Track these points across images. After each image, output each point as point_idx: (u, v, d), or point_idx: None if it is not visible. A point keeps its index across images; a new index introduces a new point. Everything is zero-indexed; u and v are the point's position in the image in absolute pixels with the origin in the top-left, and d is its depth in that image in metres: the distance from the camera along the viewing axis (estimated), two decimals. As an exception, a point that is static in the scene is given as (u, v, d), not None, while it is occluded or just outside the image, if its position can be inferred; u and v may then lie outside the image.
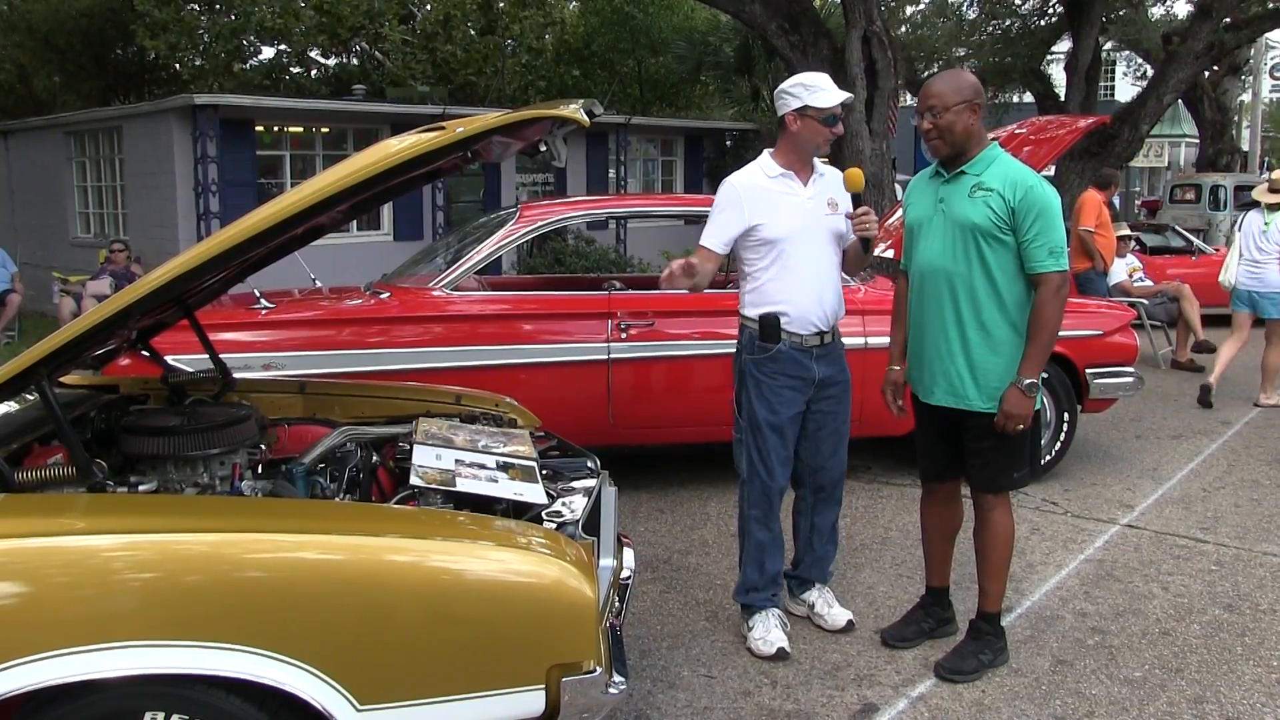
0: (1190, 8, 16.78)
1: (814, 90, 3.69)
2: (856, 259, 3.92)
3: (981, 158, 3.44)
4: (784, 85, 3.78)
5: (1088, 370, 5.90)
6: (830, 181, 3.83)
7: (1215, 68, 20.00)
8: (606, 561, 2.63)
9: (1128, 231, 10.43)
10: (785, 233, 3.72)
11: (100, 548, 2.17)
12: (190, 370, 3.73)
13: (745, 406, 3.85)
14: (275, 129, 13.99)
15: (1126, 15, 18.55)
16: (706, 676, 3.63)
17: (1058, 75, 19.62)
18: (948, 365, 3.49)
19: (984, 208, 3.37)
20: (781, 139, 3.81)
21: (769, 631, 3.82)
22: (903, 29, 20.15)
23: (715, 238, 3.77)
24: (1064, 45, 18.63)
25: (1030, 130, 6.83)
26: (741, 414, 3.88)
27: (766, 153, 3.86)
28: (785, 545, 3.99)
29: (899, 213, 3.69)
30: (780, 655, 3.76)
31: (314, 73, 20.82)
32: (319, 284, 5.82)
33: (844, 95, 3.72)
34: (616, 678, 2.41)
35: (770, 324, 3.77)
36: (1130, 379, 6.06)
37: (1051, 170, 13.88)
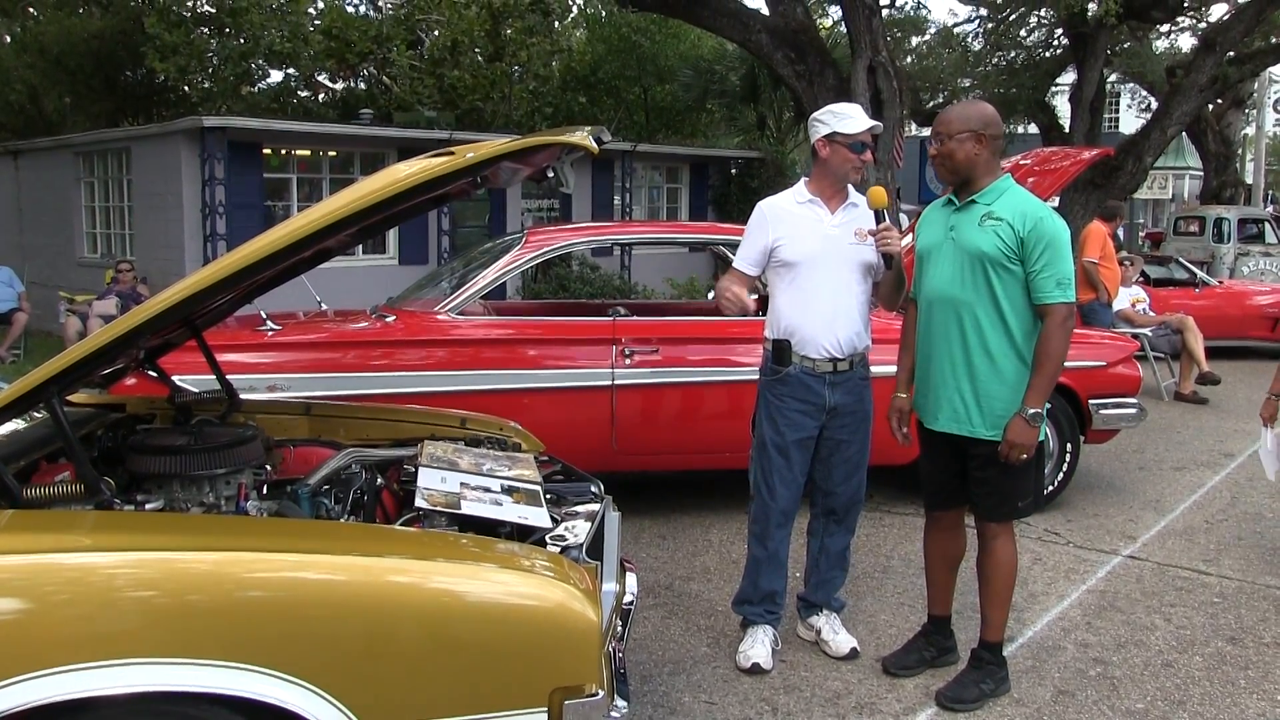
0: (1194, 41, 16.90)
1: (842, 117, 3.77)
2: (889, 290, 3.85)
3: (993, 188, 3.47)
4: (815, 113, 3.89)
5: (1091, 401, 5.91)
6: (864, 212, 3.85)
7: (1219, 101, 20.14)
8: (609, 586, 2.63)
9: (1126, 255, 10.45)
10: (801, 256, 3.77)
11: (106, 565, 2.18)
12: (196, 390, 3.75)
13: (756, 425, 3.93)
14: (283, 152, 14.07)
15: (1131, 48, 18.68)
16: (707, 702, 3.62)
17: (1062, 106, 19.74)
18: (952, 392, 3.51)
19: (993, 237, 3.39)
20: (814, 166, 3.90)
21: (752, 646, 3.90)
22: (908, 59, 20.25)
23: (743, 259, 3.91)
24: (1069, 77, 18.77)
25: (1035, 161, 6.85)
26: (754, 432, 3.95)
27: (802, 180, 3.95)
28: (788, 569, 4.01)
29: (908, 239, 3.71)
30: (754, 670, 3.83)
31: (322, 97, 20.92)
32: (324, 306, 5.85)
33: (872, 123, 3.79)
34: (618, 702, 2.41)
35: (782, 347, 3.83)
36: (1133, 410, 6.06)
37: (1056, 201, 13.93)
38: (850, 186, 3.89)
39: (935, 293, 3.55)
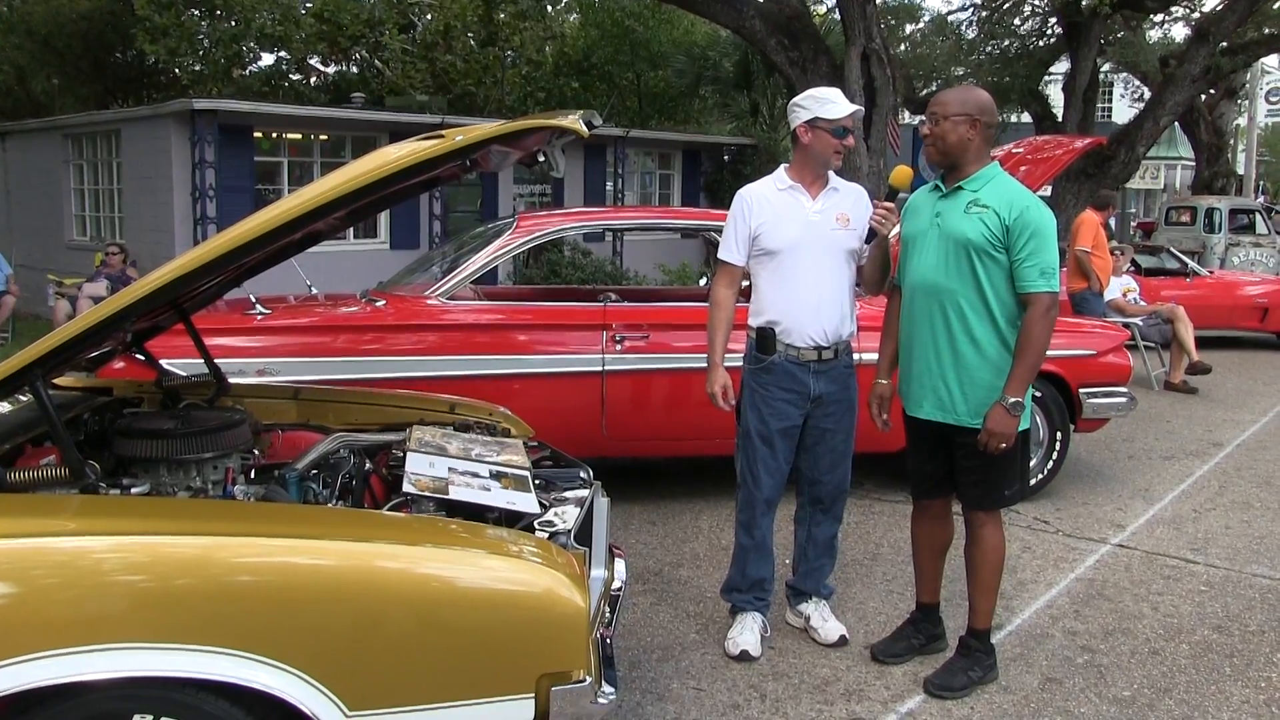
0: (1188, 31, 16.90)
1: (824, 102, 3.73)
2: (873, 272, 3.82)
3: (980, 175, 3.46)
4: (795, 99, 3.83)
5: (1081, 390, 5.91)
6: (845, 197, 3.83)
7: (1212, 91, 20.16)
8: (598, 572, 2.63)
9: (1116, 244, 10.46)
10: (784, 244, 3.74)
11: (91, 549, 2.17)
12: (185, 374, 3.73)
13: (741, 414, 3.89)
14: (274, 135, 14.01)
15: (1124, 38, 18.68)
16: (696, 689, 3.62)
17: (1055, 96, 19.73)
18: (937, 380, 3.50)
19: (979, 224, 3.38)
20: (795, 152, 3.86)
21: (741, 633, 3.90)
22: (902, 47, 20.24)
23: (729, 250, 3.86)
24: (1062, 66, 18.76)
25: (1027, 150, 6.87)
26: (739, 421, 3.91)
27: (782, 166, 3.91)
28: (775, 557, 4.01)
29: (895, 229, 3.70)
30: (743, 657, 3.83)
31: (313, 80, 20.84)
32: (315, 291, 5.82)
33: (854, 107, 3.75)
34: (606, 688, 2.41)
35: (766, 335, 3.79)
36: (1123, 399, 6.07)
37: (1048, 190, 13.95)
38: (831, 172, 3.86)
39: (920, 279, 3.53)
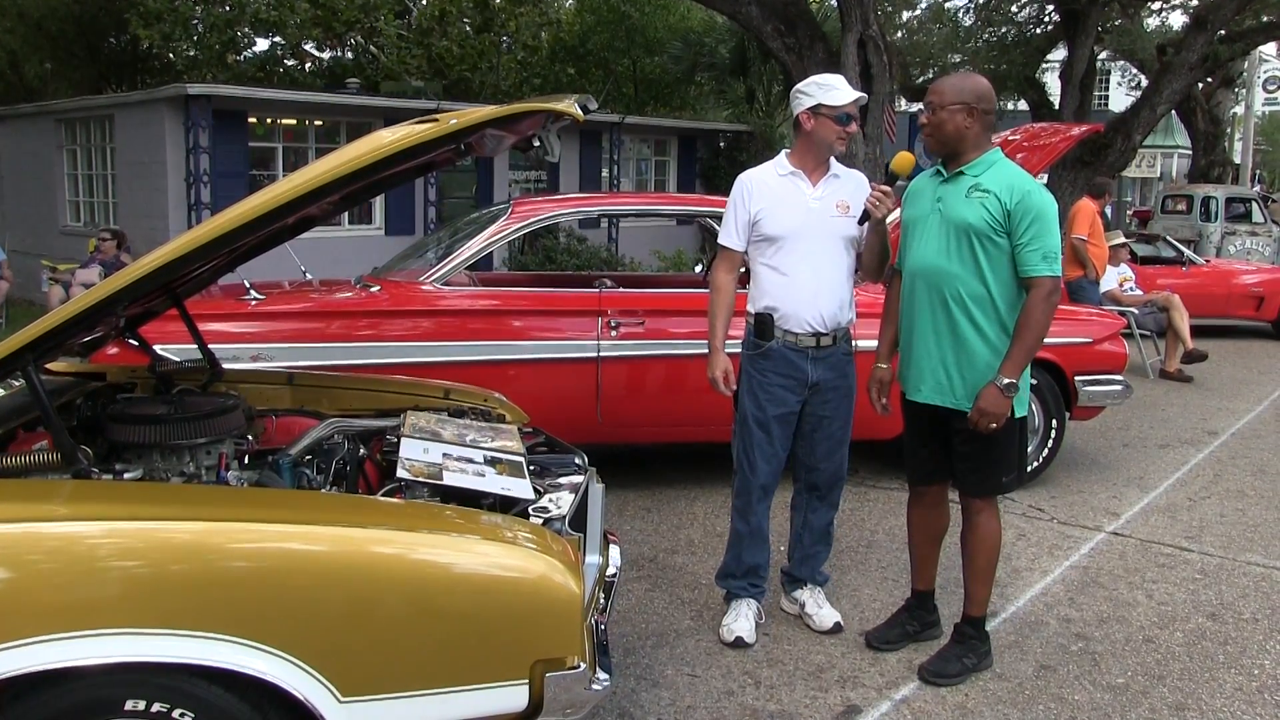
0: (1185, 19, 16.86)
1: (827, 89, 3.72)
2: (873, 259, 3.81)
3: (981, 160, 3.45)
4: (799, 85, 3.82)
5: (1076, 377, 5.91)
6: (846, 184, 3.82)
7: (1209, 79, 20.12)
8: (592, 558, 2.63)
9: (1122, 240, 10.46)
10: (783, 230, 3.73)
11: (84, 535, 2.16)
12: (178, 360, 3.71)
13: (738, 400, 3.88)
14: (268, 121, 13.95)
15: (1122, 25, 18.62)
16: (690, 675, 3.62)
17: (1052, 83, 19.67)
18: (936, 363, 3.50)
19: (980, 209, 3.37)
20: (797, 139, 3.84)
21: (736, 620, 3.90)
22: (899, 34, 20.17)
23: (729, 235, 3.86)
24: (1059, 54, 18.70)
25: (1024, 137, 6.83)
26: (736, 407, 3.92)
27: (783, 152, 3.90)
28: (770, 543, 4.01)
29: (896, 213, 3.69)
30: (738, 644, 3.83)
31: (308, 66, 20.75)
32: (309, 276, 5.80)
33: (857, 94, 3.74)
34: (600, 674, 2.40)
35: (764, 321, 3.79)
36: (1119, 387, 6.07)
37: (1044, 178, 13.91)
38: (832, 159, 3.85)
39: (920, 264, 3.53)
